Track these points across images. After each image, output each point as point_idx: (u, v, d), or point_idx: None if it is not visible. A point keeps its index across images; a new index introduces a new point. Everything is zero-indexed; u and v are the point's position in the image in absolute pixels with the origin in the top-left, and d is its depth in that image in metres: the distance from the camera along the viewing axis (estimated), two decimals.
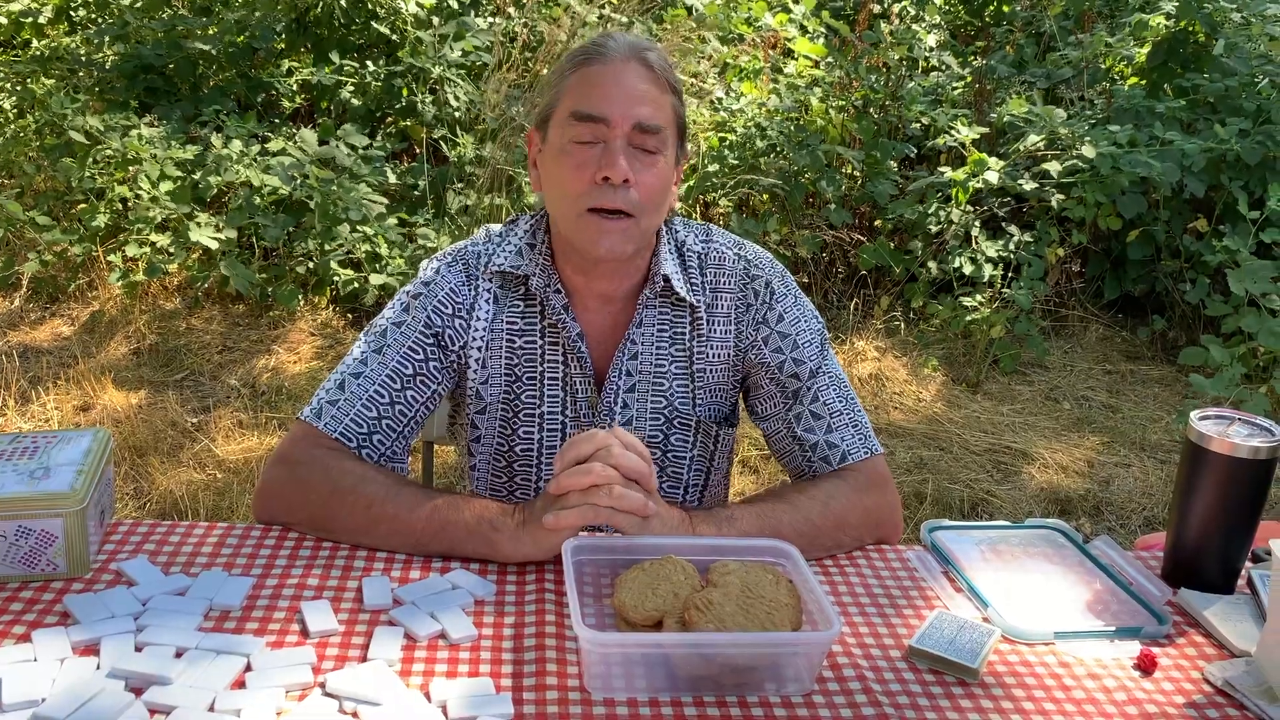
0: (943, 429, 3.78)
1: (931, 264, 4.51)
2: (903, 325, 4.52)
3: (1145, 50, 5.10)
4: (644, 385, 1.47)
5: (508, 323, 1.45)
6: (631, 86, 1.34)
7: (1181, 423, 3.66)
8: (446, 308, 1.43)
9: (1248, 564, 1.33)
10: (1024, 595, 1.27)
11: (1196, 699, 1.10)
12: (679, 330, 1.47)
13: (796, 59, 5.15)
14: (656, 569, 1.14)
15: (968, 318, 4.24)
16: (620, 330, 1.47)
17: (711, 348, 1.48)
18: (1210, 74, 4.76)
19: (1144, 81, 5.05)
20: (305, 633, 1.10)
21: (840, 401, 1.47)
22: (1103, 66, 5.17)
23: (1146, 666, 1.14)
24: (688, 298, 1.45)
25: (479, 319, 1.44)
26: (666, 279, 1.44)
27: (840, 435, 1.44)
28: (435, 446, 1.92)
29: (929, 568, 1.32)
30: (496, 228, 1.51)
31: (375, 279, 4.08)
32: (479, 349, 1.44)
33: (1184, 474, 1.30)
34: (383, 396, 1.39)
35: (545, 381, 1.46)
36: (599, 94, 1.34)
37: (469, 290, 1.44)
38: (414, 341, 1.42)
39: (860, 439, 1.45)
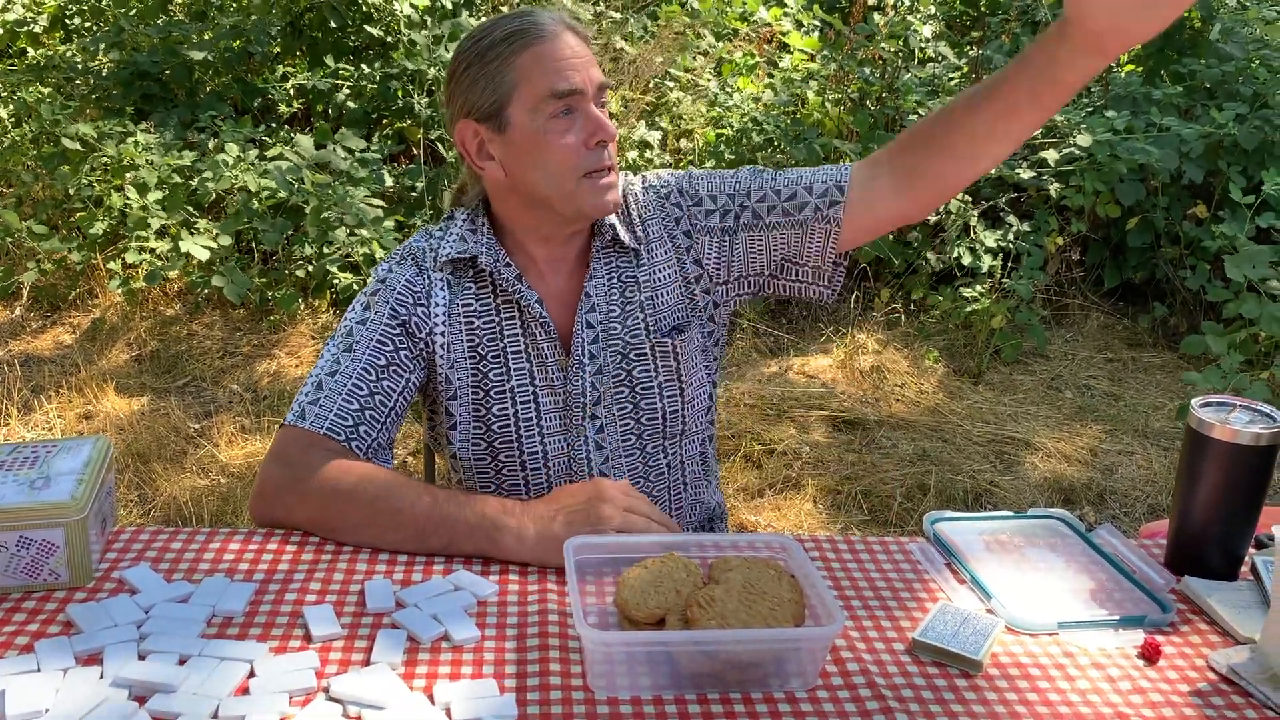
0: (945, 420, 3.78)
1: (931, 255, 4.50)
2: (903, 317, 4.52)
3: None
4: (604, 333, 1.51)
5: (463, 305, 1.49)
6: (582, 53, 1.42)
7: (1185, 410, 3.66)
8: (407, 298, 1.47)
9: (1251, 550, 1.33)
10: (1027, 586, 1.26)
11: (1201, 687, 1.10)
12: (627, 274, 1.52)
13: (791, 53, 5.15)
14: (658, 566, 1.14)
15: (968, 308, 4.23)
16: (575, 290, 1.51)
17: (655, 273, 1.52)
18: (1207, 59, 4.75)
19: (1140, 68, 5.04)
20: (308, 638, 1.10)
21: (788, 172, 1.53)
22: None
23: (1151, 655, 1.13)
24: (630, 243, 1.51)
25: (436, 305, 1.48)
26: (613, 228, 1.50)
27: (815, 171, 1.50)
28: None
29: (931, 559, 1.32)
30: (433, 227, 1.55)
31: None
32: (442, 334, 1.48)
33: (1185, 461, 1.30)
34: (361, 389, 1.41)
35: (509, 356, 1.49)
36: (566, 68, 1.39)
37: (422, 280, 1.48)
38: (381, 335, 1.45)
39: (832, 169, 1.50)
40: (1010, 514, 1.45)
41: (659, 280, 1.53)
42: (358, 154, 4.55)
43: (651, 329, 1.52)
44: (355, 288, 4.16)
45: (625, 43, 4.93)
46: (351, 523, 1.29)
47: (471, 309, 1.49)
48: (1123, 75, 5.01)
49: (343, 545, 1.29)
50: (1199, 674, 1.12)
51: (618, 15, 5.00)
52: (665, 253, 1.53)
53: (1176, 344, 4.29)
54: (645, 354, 1.52)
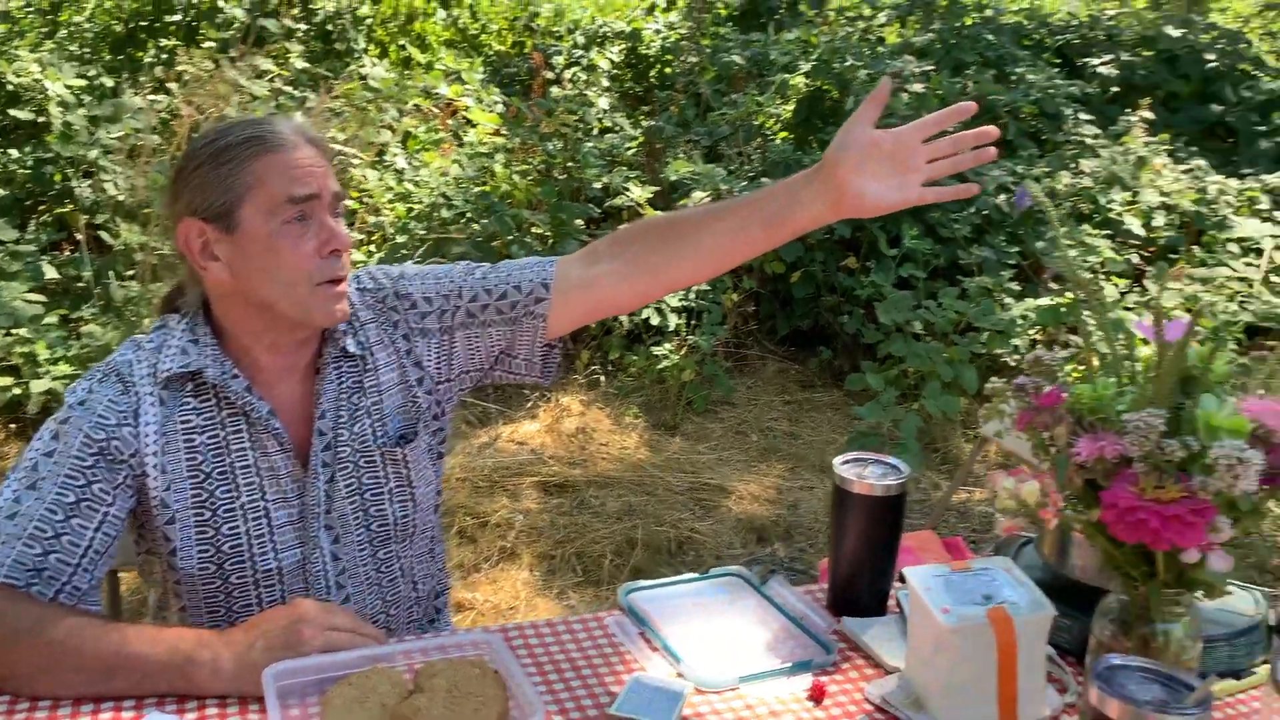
0: (647, 474, 3.97)
1: (624, 317, 4.73)
2: (603, 378, 4.71)
3: (791, 107, 5.65)
4: (335, 440, 1.49)
5: (182, 422, 1.42)
6: (320, 162, 1.43)
7: (853, 445, 4.07)
8: (110, 419, 1.38)
9: (896, 585, 1.53)
10: (712, 645, 1.38)
11: (860, 719, 1.25)
12: (353, 380, 1.52)
13: (477, 126, 5.28)
14: (363, 681, 1.16)
15: (660, 365, 4.48)
16: (306, 398, 1.49)
17: (379, 378, 1.53)
18: None
19: (792, 136, 5.59)
20: None
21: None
22: (756, 123, 5.67)
23: (817, 696, 1.28)
24: (355, 350, 1.51)
25: (147, 424, 1.40)
26: (344, 334, 1.50)
27: (523, 267, 1.55)
28: (119, 574, 1.81)
29: (626, 631, 1.42)
30: (142, 337, 1.48)
31: (37, 385, 3.75)
32: (154, 454, 1.40)
33: (834, 514, 1.48)
34: (45, 531, 1.31)
35: (237, 472, 1.44)
36: (302, 175, 1.38)
37: (129, 398, 1.40)
38: (71, 468, 1.35)
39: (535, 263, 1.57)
40: (695, 576, 1.58)
41: (383, 385, 1.53)
42: (10, 246, 4.18)
43: (379, 435, 1.52)
44: (17, 393, 3.79)
45: (306, 117, 4.86)
46: (28, 669, 1.21)
47: (192, 425, 1.42)
48: (778, 142, 5.54)
49: (17, 701, 1.21)
50: (857, 707, 1.27)
51: (295, 93, 4.93)
52: (387, 356, 1.54)
53: (842, 382, 4.75)
54: (375, 461, 1.52)
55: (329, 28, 6.23)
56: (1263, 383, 1.20)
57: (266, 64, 5.26)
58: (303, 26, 6.08)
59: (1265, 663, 1.32)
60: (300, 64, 5.51)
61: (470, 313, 1.55)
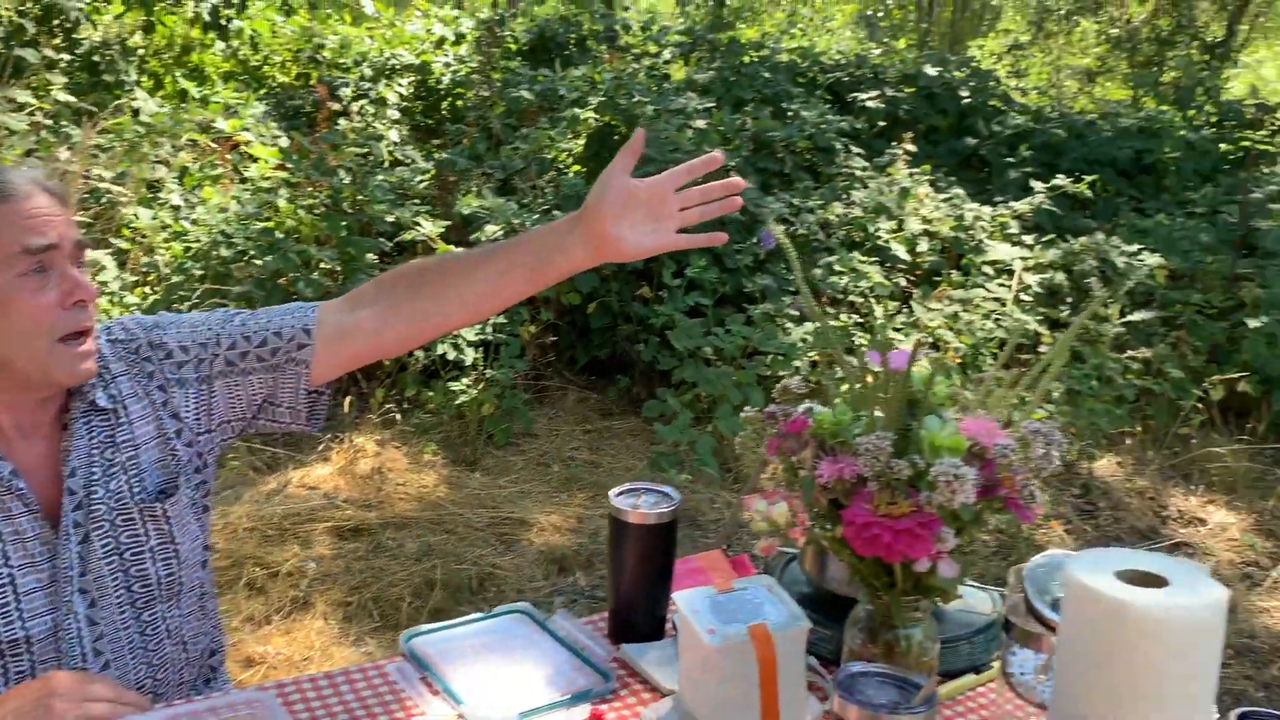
0: (447, 512, 3.93)
1: (419, 352, 4.68)
2: (399, 415, 4.63)
3: (582, 142, 5.75)
4: (87, 499, 1.43)
5: None
6: (57, 211, 1.37)
7: (652, 467, 4.17)
8: None
9: (672, 608, 1.59)
10: (495, 683, 1.40)
11: None
12: (105, 435, 1.45)
13: (259, 161, 5.11)
14: None
15: (458, 400, 4.46)
16: (54, 455, 1.42)
17: (134, 431, 1.47)
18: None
19: (584, 169, 5.69)
20: None
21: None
22: (548, 157, 5.74)
23: None
24: (105, 404, 1.45)
25: None
26: (93, 388, 1.44)
27: (284, 314, 1.52)
28: None
29: (408, 677, 1.41)
30: None
31: None
32: None
33: (611, 543, 1.53)
34: None
35: None
36: (38, 224, 1.33)
37: None
38: None
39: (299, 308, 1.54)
40: (479, 615, 1.59)
41: (138, 439, 1.47)
42: None
43: (136, 491, 1.45)
44: None
45: (70, 153, 4.59)
46: None
47: None
48: (571, 175, 5.63)
49: None
50: None
51: (52, 124, 4.64)
52: (142, 409, 1.48)
53: (640, 409, 4.86)
54: (133, 519, 1.45)
55: (96, 58, 5.89)
56: (981, 402, 1.33)
57: (25, 96, 4.92)
58: (66, 57, 5.73)
59: (999, 657, 1.45)
60: (63, 96, 5.19)
61: (230, 361, 1.51)
